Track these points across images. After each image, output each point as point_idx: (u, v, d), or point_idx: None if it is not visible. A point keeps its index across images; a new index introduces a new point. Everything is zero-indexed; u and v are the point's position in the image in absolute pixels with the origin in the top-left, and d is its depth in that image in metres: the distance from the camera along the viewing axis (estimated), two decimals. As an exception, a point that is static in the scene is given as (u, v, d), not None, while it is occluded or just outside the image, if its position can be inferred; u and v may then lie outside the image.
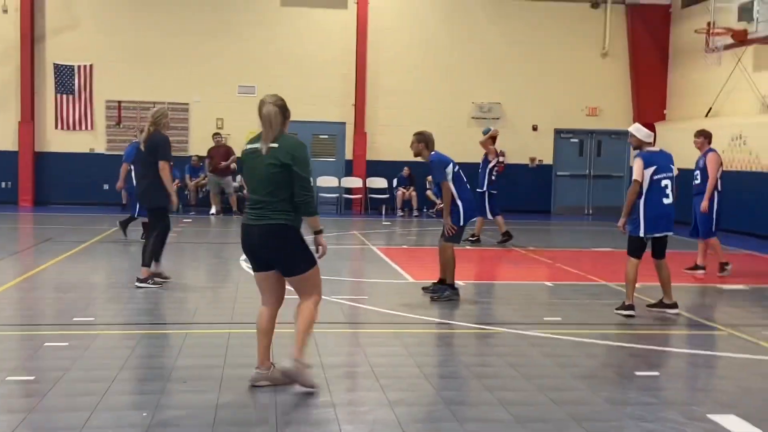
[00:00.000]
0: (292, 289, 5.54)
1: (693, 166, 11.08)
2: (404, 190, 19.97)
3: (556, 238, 16.69)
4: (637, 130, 8.36)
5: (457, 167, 8.76)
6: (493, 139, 14.34)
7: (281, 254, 5.34)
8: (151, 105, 20.09)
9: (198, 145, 20.15)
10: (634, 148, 8.54)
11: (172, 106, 20.20)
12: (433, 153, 8.76)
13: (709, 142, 11.10)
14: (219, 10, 20.24)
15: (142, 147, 9.35)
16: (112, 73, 19.95)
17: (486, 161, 14.25)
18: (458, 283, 9.01)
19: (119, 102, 20.13)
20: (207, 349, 6.48)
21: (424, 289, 9.12)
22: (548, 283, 10.37)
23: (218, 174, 18.96)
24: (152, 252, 9.23)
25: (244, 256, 5.67)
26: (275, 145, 5.26)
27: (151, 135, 9.19)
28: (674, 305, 8.23)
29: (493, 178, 14.17)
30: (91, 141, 20.18)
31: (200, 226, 16.62)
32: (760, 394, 5.61)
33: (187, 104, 20.31)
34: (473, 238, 13.95)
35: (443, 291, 8.73)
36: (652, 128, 8.42)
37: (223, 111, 20.42)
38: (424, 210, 20.00)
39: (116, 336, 6.90)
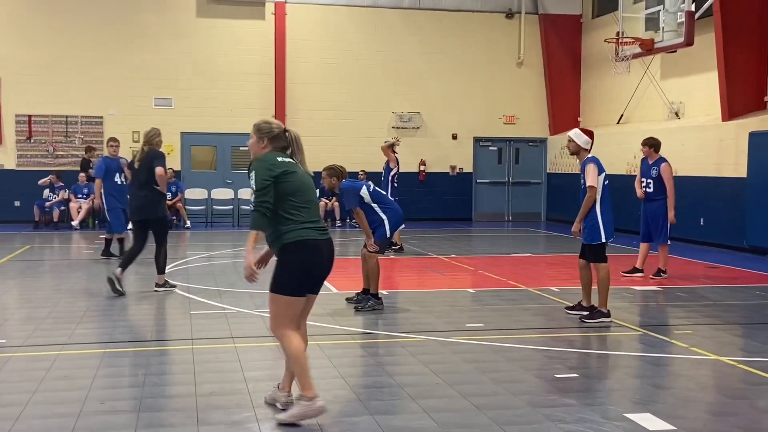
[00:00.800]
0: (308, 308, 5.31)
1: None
2: (326, 201, 19.95)
3: (477, 245, 16.92)
4: (577, 135, 8.38)
5: (372, 186, 8.88)
6: (392, 147, 14.46)
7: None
8: (64, 119, 19.63)
9: (114, 159, 19.67)
10: (571, 154, 8.54)
11: (85, 119, 19.75)
12: (343, 181, 8.78)
13: (657, 150, 11.40)
14: (133, 21, 19.87)
15: (136, 165, 9.91)
16: (22, 86, 19.35)
17: (388, 169, 14.35)
18: (382, 292, 9.05)
19: (30, 116, 19.52)
20: (125, 369, 6.32)
21: (348, 299, 9.13)
22: (470, 290, 10.51)
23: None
24: (165, 258, 10.04)
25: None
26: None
27: (146, 153, 9.76)
28: (591, 308, 8.41)
29: (395, 185, 14.34)
30: (1, 157, 19.50)
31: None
32: (672, 392, 5.80)
33: (101, 117, 19.85)
34: (396, 247, 14.02)
35: (367, 301, 8.77)
36: (591, 135, 8.51)
37: (139, 124, 20.00)
38: (347, 220, 20.02)
39: (29, 358, 6.67)
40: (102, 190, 12.72)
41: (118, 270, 9.66)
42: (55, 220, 18.62)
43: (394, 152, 14.45)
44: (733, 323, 8.44)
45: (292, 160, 5.13)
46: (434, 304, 9.45)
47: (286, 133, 5.20)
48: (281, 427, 4.98)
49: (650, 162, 11.43)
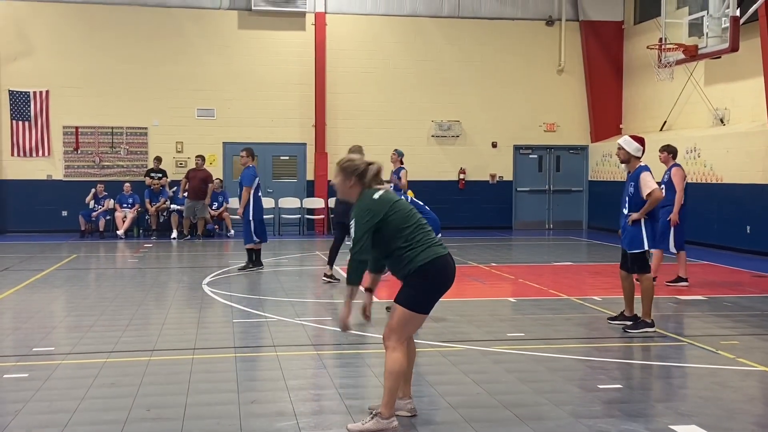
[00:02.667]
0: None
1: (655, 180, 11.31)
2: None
3: (518, 254, 16.82)
4: (627, 143, 8.25)
5: (409, 198, 8.88)
6: (401, 161, 14.25)
7: None
8: (109, 130, 20.01)
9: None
10: (621, 162, 8.42)
11: (130, 130, 20.10)
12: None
13: (674, 157, 11.30)
14: (176, 34, 20.18)
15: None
16: (69, 98, 19.75)
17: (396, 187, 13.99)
18: (422, 301, 9.04)
19: (76, 128, 19.91)
20: (170, 377, 6.42)
21: (389, 309, 9.12)
22: (511, 299, 10.46)
23: (193, 198, 18.79)
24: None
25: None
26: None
27: None
28: (634, 318, 8.31)
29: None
30: (49, 167, 19.91)
31: (163, 251, 16.47)
32: (719, 403, 5.71)
33: (146, 128, 20.17)
34: None
35: None
36: (642, 142, 8.38)
37: (182, 134, 20.32)
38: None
39: (77, 365, 6.80)
40: (250, 199, 12.75)
41: (327, 268, 11.68)
42: (101, 229, 18.96)
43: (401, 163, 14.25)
44: (781, 333, 8.28)
45: (387, 189, 5.13)
46: (475, 313, 9.43)
47: (370, 167, 5.14)
48: None
49: (666, 168, 11.30)
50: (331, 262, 11.81)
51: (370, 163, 5.17)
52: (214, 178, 19.45)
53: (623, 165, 8.50)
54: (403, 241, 4.98)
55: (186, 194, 18.90)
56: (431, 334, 8.04)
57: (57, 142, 19.87)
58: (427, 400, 5.76)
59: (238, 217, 13.52)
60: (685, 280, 11.25)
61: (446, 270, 5.05)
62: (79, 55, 19.77)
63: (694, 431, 5.02)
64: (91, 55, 19.81)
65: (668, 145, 11.47)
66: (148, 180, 19.47)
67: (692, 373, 6.61)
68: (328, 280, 11.66)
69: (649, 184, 8.03)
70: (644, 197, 8.06)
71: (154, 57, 20.05)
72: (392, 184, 13.68)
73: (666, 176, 11.18)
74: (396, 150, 14.45)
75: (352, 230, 4.99)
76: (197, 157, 19.36)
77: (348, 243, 8.98)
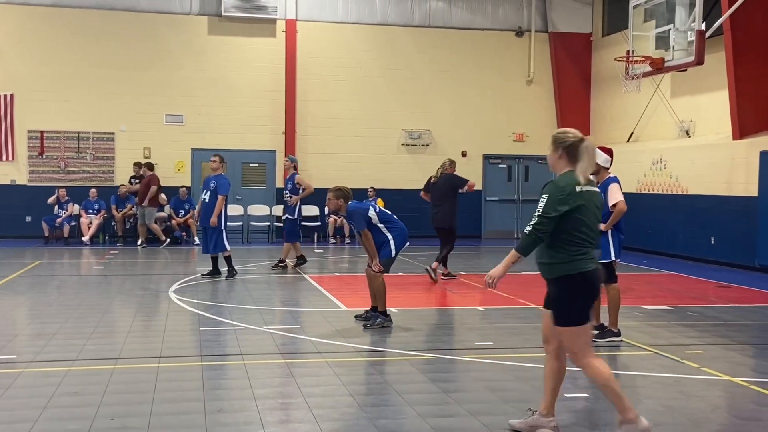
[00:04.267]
0: None
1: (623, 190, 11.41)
2: (336, 218, 19.96)
3: (487, 263, 16.85)
4: (597, 154, 8.34)
5: (378, 208, 8.85)
6: (295, 167, 14.73)
7: None
8: (75, 134, 19.76)
9: (124, 174, 19.80)
10: (592, 174, 8.48)
11: (97, 135, 19.87)
12: (350, 203, 8.79)
13: (607, 171, 11.42)
14: (145, 39, 20.02)
15: (433, 181, 13.25)
16: (34, 102, 19.49)
17: (296, 190, 14.33)
18: (391, 310, 9.03)
19: (42, 132, 19.65)
20: (135, 386, 6.33)
21: (357, 317, 9.12)
22: (480, 308, 10.48)
23: (141, 204, 18.57)
24: (446, 254, 12.96)
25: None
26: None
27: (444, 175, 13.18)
28: (600, 327, 8.36)
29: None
30: (13, 172, 19.62)
31: (129, 258, 16.28)
32: (684, 412, 5.76)
33: (113, 133, 19.96)
34: (282, 264, 14.18)
35: (375, 318, 8.76)
36: (610, 153, 8.43)
37: (150, 140, 20.13)
38: (356, 237, 20.01)
39: (40, 373, 6.68)
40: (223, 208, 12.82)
41: (435, 264, 12.81)
42: (66, 235, 18.70)
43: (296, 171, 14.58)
44: (745, 343, 8.39)
45: (589, 189, 4.99)
46: (443, 322, 9.43)
47: (582, 143, 5.02)
48: None
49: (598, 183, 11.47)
50: (445, 262, 13.03)
51: (582, 139, 5.04)
52: (181, 186, 19.27)
53: (592, 176, 8.55)
54: (569, 242, 4.88)
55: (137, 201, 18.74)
56: (399, 343, 8.03)
57: (21, 147, 19.59)
58: (395, 410, 5.74)
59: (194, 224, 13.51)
60: None
61: (593, 285, 4.98)
62: (45, 58, 19.53)
63: (660, 440, 5.06)
64: (57, 58, 19.57)
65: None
66: (124, 186, 19.21)
67: (658, 382, 6.67)
68: (446, 278, 12.98)
69: (615, 195, 8.09)
70: (610, 208, 8.12)
71: (122, 62, 19.86)
72: (288, 194, 14.26)
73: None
74: (289, 156, 15.14)
75: (541, 204, 4.88)
76: (144, 164, 19.06)
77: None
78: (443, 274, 13.08)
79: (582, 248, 4.91)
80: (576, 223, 4.89)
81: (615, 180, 8.23)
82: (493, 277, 5.02)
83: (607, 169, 8.32)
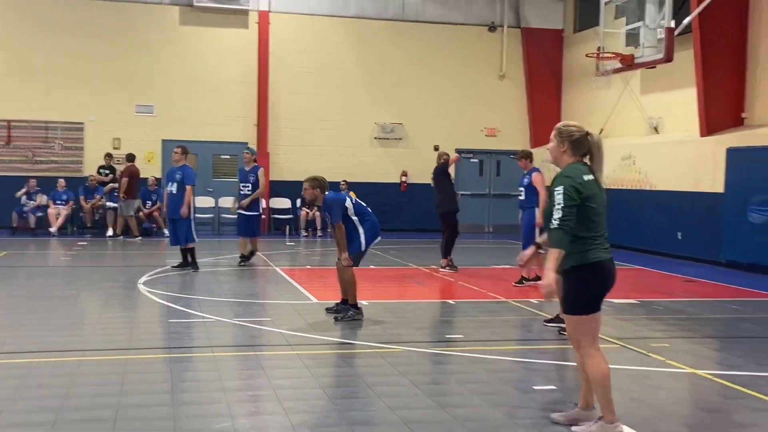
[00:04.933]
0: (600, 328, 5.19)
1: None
2: (308, 211, 19.92)
3: (458, 257, 16.92)
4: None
5: (353, 199, 8.82)
6: (255, 160, 14.01)
7: None
8: (44, 124, 19.50)
9: (94, 165, 19.58)
10: (554, 163, 8.54)
11: (65, 126, 19.63)
12: (327, 194, 8.72)
13: (532, 161, 11.90)
14: (115, 28, 19.80)
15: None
16: (1, 92, 19.21)
17: (255, 186, 13.64)
18: (362, 302, 9.04)
19: (9, 121, 19.37)
20: (102, 378, 6.28)
21: (328, 309, 9.12)
22: (450, 301, 10.53)
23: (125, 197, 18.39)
24: (448, 245, 13.30)
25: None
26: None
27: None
28: None
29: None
30: (-21, 161, 19.33)
31: (98, 249, 16.12)
32: (650, 405, 5.84)
33: (82, 123, 19.73)
34: (244, 259, 13.61)
35: (347, 311, 8.76)
36: None
37: (120, 131, 19.94)
38: (328, 230, 20.00)
39: (5, 365, 6.60)
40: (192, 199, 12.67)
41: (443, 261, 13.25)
42: (33, 226, 18.46)
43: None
44: (710, 337, 8.52)
45: (594, 179, 5.01)
46: (414, 315, 9.47)
47: (588, 138, 5.06)
48: None
49: (526, 172, 11.77)
50: (447, 253, 13.34)
51: (588, 134, 5.08)
52: (149, 176, 19.08)
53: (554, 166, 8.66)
54: (581, 232, 4.87)
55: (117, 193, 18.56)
56: (370, 336, 8.05)
57: (-12, 136, 19.30)
58: (365, 402, 5.75)
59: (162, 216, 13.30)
60: (532, 279, 11.47)
61: (605, 274, 4.98)
62: (12, 47, 19.25)
63: (625, 432, 5.12)
64: (25, 47, 19.30)
65: (524, 151, 12.13)
66: (93, 176, 19.01)
67: (624, 375, 6.75)
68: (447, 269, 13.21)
69: None
70: None
71: (91, 51, 19.63)
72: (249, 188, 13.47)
73: (526, 180, 11.63)
74: (250, 148, 14.63)
75: (558, 197, 4.83)
76: (127, 156, 18.90)
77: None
78: (444, 265, 13.35)
79: (596, 238, 4.93)
80: (589, 212, 4.91)
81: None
82: (547, 286, 4.86)
83: None
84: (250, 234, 13.64)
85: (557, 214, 4.82)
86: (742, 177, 14.38)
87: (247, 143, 20.48)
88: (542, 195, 11.18)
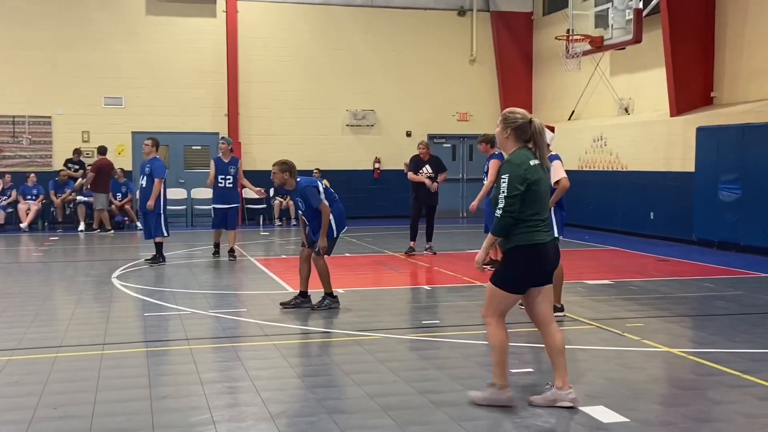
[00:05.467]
0: (546, 304, 5.36)
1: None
2: (281, 200, 19.85)
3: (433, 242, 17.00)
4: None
5: (324, 185, 8.73)
6: (232, 150, 13.38)
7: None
8: (11, 119, 19.21)
9: (63, 159, 19.34)
10: None
11: (33, 119, 19.36)
12: (299, 180, 8.59)
13: (493, 146, 11.64)
14: (81, 19, 19.53)
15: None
16: (-34, 85, 18.89)
17: (236, 177, 13.22)
18: (338, 290, 9.03)
19: (-25, 116, 19.06)
20: (77, 374, 6.22)
21: (283, 304, 8.90)
22: (426, 287, 10.56)
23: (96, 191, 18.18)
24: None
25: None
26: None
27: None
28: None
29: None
30: (-55, 158, 19.02)
31: (70, 244, 15.95)
32: (625, 384, 5.90)
33: (49, 117, 19.46)
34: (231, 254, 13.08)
35: (323, 300, 8.70)
36: (553, 130, 8.41)
37: (89, 123, 19.70)
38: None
39: (-22, 365, 6.52)
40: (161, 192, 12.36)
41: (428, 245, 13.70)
42: (1, 222, 18.22)
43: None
44: (684, 315, 8.62)
45: (540, 164, 5.15)
46: (390, 301, 9.48)
47: (531, 124, 5.20)
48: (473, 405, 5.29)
49: (488, 157, 11.67)
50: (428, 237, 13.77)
51: (531, 121, 5.23)
52: (116, 168, 18.87)
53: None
54: (523, 216, 5.06)
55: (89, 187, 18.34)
56: (346, 324, 8.05)
57: (-46, 132, 18.99)
58: (343, 390, 5.76)
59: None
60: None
61: (541, 257, 5.15)
62: (-24, 40, 18.91)
63: (602, 412, 5.17)
64: (-11, 40, 18.97)
65: (485, 135, 11.99)
66: (64, 171, 18.80)
67: (599, 356, 6.82)
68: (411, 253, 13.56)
69: (558, 172, 8.16)
70: (553, 185, 8.19)
71: (57, 43, 19.36)
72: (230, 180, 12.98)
73: (487, 165, 11.50)
74: (224, 138, 13.86)
75: (504, 186, 5.01)
76: (98, 149, 18.67)
77: None
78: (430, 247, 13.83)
79: (537, 221, 5.12)
80: (533, 195, 5.08)
81: (557, 157, 8.31)
82: (477, 261, 5.34)
83: (548, 146, 8.37)
84: (233, 226, 13.17)
85: (501, 203, 5.04)
86: (712, 156, 14.53)
87: (218, 133, 20.32)
88: (490, 182, 10.86)
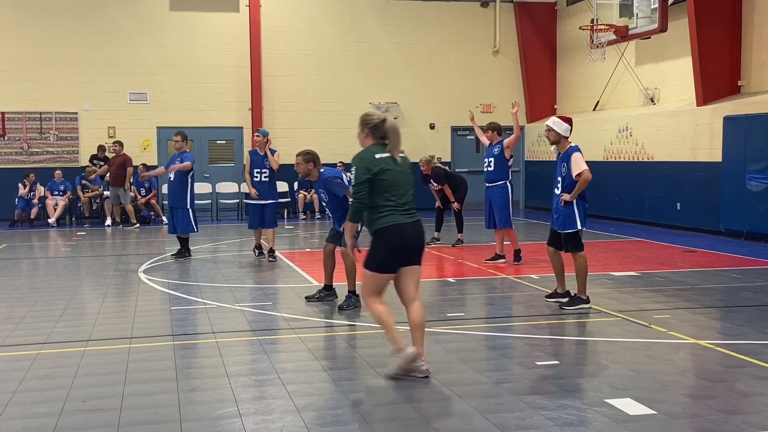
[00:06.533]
0: (411, 283, 5.95)
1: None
2: (305, 193, 19.90)
3: (456, 234, 16.97)
4: (557, 124, 8.15)
5: (347, 176, 8.68)
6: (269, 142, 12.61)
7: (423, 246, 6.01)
8: (38, 115, 19.43)
9: (89, 155, 19.54)
10: (552, 143, 8.38)
11: (60, 116, 19.56)
12: (323, 170, 8.56)
13: (500, 134, 11.68)
14: (106, 16, 19.69)
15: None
16: (-6, 83, 19.12)
17: (272, 171, 12.39)
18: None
19: (3, 113, 19.31)
20: (106, 367, 6.29)
21: (308, 298, 8.90)
22: (451, 279, 10.54)
23: (114, 185, 18.36)
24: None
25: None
26: (402, 154, 6.00)
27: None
28: (567, 294, 8.45)
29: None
30: (-26, 155, 19.27)
31: (97, 239, 16.12)
32: (652, 376, 5.86)
33: (76, 113, 19.66)
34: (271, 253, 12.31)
35: (349, 299, 8.44)
36: (570, 122, 8.32)
37: (114, 119, 19.87)
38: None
39: (9, 358, 6.61)
40: (189, 184, 12.30)
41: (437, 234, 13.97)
42: (32, 217, 18.46)
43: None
44: (711, 306, 8.54)
45: (389, 156, 5.84)
46: (415, 294, 9.46)
47: (384, 123, 5.88)
48: (391, 379, 5.71)
49: (494, 144, 11.69)
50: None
51: (384, 120, 5.91)
52: (137, 164, 18.99)
53: (553, 146, 8.59)
54: (379, 202, 5.75)
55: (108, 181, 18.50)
56: (371, 317, 8.03)
57: (-18, 129, 19.24)
58: (367, 382, 5.77)
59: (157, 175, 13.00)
60: (503, 257, 11.73)
61: (401, 237, 5.77)
62: (4, 38, 19.15)
63: (629, 404, 5.14)
64: (17, 38, 19.19)
65: (491, 123, 12.00)
66: (90, 167, 19.02)
67: (626, 348, 6.77)
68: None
69: (579, 164, 8.09)
70: (574, 177, 8.12)
71: (83, 39, 19.53)
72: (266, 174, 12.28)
73: (496, 149, 11.54)
74: (260, 130, 12.85)
75: (353, 177, 5.77)
76: (114, 142, 18.80)
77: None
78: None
79: (394, 205, 5.78)
80: (382, 183, 5.76)
81: (577, 149, 8.22)
82: (350, 249, 6.14)
83: (567, 138, 8.29)
84: (271, 224, 12.26)
85: (353, 191, 5.79)
86: (739, 145, 14.35)
87: (242, 127, 20.45)
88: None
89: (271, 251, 12.21)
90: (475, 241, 14.60)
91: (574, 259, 8.21)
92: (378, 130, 5.86)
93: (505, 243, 11.88)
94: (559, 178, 8.28)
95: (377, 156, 5.78)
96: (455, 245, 13.82)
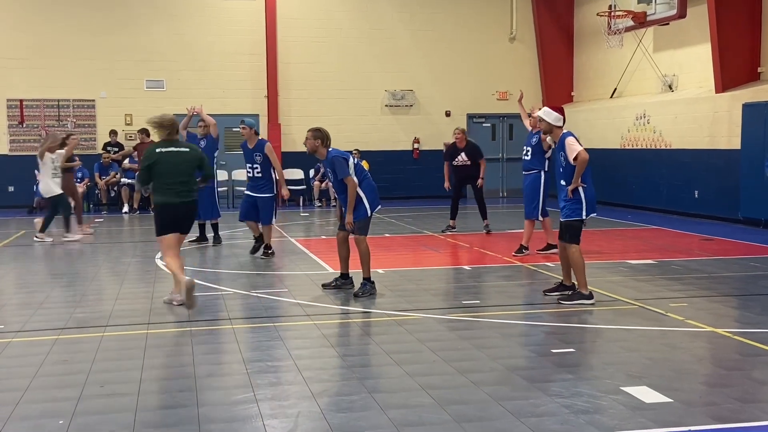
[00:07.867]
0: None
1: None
2: (321, 181, 19.92)
3: (473, 222, 16.92)
4: (547, 114, 8.17)
5: (356, 160, 8.60)
6: (256, 133, 11.89)
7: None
8: (55, 102, 19.54)
9: (105, 142, 19.63)
10: (544, 133, 8.49)
11: (77, 103, 19.67)
12: (330, 149, 8.49)
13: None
14: (123, 4, 19.75)
15: None
16: (13, 71, 19.24)
17: (267, 164, 11.48)
18: (377, 271, 9.04)
19: (21, 101, 19.43)
20: (124, 352, 6.35)
21: (325, 285, 8.93)
22: (466, 267, 10.54)
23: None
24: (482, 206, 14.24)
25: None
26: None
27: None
28: (573, 287, 8.17)
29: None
30: (-7, 142, 19.43)
31: (114, 225, 16.23)
32: (668, 364, 5.84)
33: (93, 100, 19.76)
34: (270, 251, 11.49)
35: (365, 286, 8.45)
36: (561, 111, 8.32)
37: (131, 106, 19.95)
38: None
39: (28, 343, 6.69)
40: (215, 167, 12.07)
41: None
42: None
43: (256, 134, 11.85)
44: (729, 295, 8.50)
45: (169, 150, 7.82)
46: (430, 281, 9.49)
47: (172, 124, 7.99)
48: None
49: (534, 131, 11.36)
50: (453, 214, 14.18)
51: (173, 122, 7.98)
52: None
53: (548, 137, 8.57)
54: (156, 184, 7.79)
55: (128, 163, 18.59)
56: (386, 304, 8.08)
57: (1, 116, 19.41)
58: (383, 370, 5.79)
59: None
60: (554, 246, 10.65)
61: (170, 212, 7.85)
62: (21, 26, 19.24)
63: (645, 392, 5.13)
64: (35, 25, 19.28)
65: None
66: (105, 154, 19.13)
67: (643, 336, 6.76)
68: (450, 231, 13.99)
69: (574, 147, 7.88)
70: (572, 162, 7.99)
71: (99, 27, 19.59)
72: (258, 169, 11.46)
73: (535, 138, 11.30)
74: (245, 120, 12.21)
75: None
76: (140, 131, 18.87)
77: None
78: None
79: (167, 189, 7.76)
80: (158, 169, 7.73)
81: (569, 134, 8.10)
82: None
83: (560, 127, 8.20)
84: (261, 220, 11.39)
85: (138, 174, 8.18)
86: (758, 132, 14.22)
87: (258, 115, 20.45)
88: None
89: (267, 247, 11.36)
90: (504, 228, 14.56)
91: (569, 252, 7.99)
92: (162, 128, 7.90)
93: (536, 231, 11.61)
94: (561, 170, 8.15)
95: (157, 150, 7.75)
96: (487, 232, 13.84)
